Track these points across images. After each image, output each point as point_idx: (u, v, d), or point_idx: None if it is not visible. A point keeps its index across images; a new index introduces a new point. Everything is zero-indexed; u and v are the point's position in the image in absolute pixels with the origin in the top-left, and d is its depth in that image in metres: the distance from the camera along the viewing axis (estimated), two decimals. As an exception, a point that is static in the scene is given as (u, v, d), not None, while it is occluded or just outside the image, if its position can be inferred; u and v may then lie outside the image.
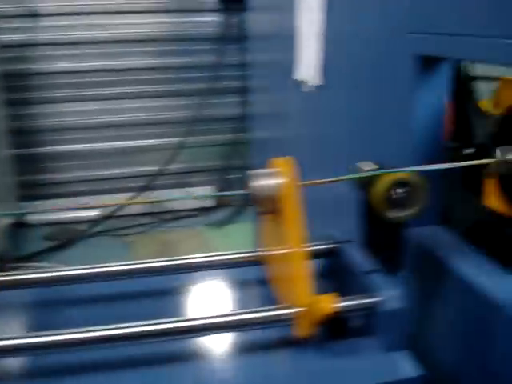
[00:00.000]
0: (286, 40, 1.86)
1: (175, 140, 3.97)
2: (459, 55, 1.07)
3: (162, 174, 3.95)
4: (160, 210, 3.96)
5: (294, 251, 0.83)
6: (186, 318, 0.84)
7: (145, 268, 1.00)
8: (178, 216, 3.93)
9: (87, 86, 3.92)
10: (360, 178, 0.97)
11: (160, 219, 3.89)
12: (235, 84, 3.93)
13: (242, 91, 3.79)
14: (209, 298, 1.01)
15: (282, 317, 0.84)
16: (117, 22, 3.87)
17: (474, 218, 1.32)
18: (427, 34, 1.07)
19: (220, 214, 3.96)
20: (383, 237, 0.99)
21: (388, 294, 0.83)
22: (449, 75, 1.15)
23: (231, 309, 0.86)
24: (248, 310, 0.84)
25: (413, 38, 1.12)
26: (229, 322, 0.83)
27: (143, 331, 0.80)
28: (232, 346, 0.86)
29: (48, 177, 4.02)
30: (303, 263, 0.82)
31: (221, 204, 4.07)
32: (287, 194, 0.84)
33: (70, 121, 3.95)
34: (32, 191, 3.96)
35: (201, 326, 0.83)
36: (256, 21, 2.48)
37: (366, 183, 0.98)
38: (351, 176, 0.96)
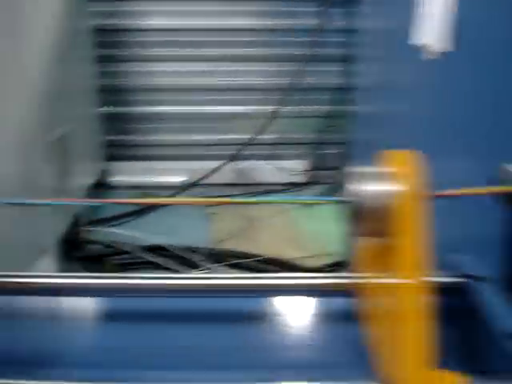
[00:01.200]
0: (404, 3, 1.53)
1: (269, 108, 3.68)
2: None
3: (253, 144, 3.70)
4: (247, 182, 3.73)
5: (407, 286, 0.53)
6: None
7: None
8: (265, 190, 3.67)
9: (182, 46, 3.70)
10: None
11: (246, 192, 3.65)
12: (338, 51, 3.58)
13: (345, 60, 3.44)
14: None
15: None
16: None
17: None
18: None
19: (310, 192, 3.67)
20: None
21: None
22: None
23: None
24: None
25: None
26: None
27: None
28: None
29: (136, 138, 3.88)
30: (420, 310, 0.52)
31: (313, 181, 3.78)
32: (407, 207, 0.54)
33: (161, 81, 3.77)
34: (119, 152, 3.84)
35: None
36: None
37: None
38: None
